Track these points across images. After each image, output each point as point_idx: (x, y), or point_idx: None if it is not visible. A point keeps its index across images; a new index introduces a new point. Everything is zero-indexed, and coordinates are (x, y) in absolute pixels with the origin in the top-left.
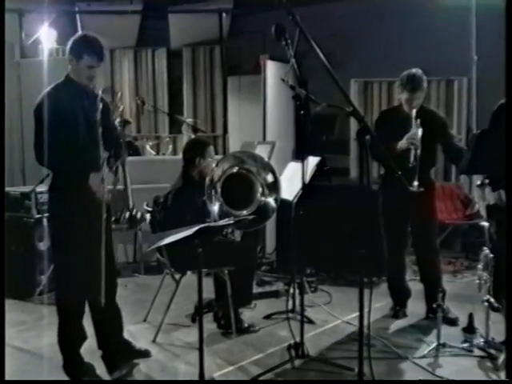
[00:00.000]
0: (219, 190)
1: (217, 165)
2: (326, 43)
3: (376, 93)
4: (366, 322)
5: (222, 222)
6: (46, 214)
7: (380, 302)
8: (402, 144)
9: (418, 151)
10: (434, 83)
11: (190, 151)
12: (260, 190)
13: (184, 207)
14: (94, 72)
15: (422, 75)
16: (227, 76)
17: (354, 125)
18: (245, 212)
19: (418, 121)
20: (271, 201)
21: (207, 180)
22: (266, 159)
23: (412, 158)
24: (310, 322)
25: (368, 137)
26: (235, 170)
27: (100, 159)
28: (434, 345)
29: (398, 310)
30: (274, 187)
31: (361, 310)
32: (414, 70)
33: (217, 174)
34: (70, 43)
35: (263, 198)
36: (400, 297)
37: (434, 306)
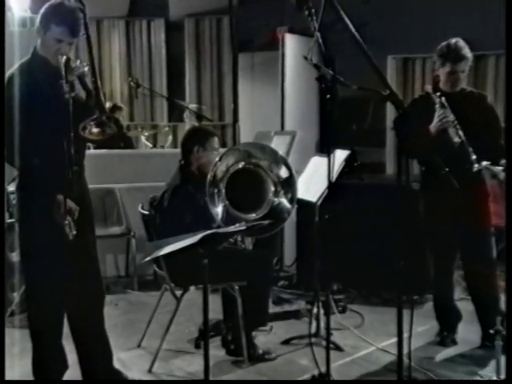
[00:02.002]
0: (223, 189)
1: (220, 159)
2: (358, 12)
3: (418, 71)
4: (405, 350)
5: (232, 228)
6: None
7: (423, 325)
8: (435, 126)
9: (459, 128)
10: (491, 59)
11: (188, 140)
12: (272, 188)
13: (183, 209)
14: (65, 48)
15: (465, 44)
16: (238, 53)
17: (390, 111)
18: (254, 215)
19: (443, 99)
20: (285, 201)
21: (209, 177)
22: (282, 152)
23: (456, 137)
24: (338, 348)
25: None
26: (241, 165)
27: (76, 153)
28: (492, 380)
29: (446, 336)
30: (289, 184)
31: (399, 334)
32: (454, 39)
33: (220, 170)
34: (40, 11)
35: (276, 199)
36: (448, 320)
37: (491, 331)
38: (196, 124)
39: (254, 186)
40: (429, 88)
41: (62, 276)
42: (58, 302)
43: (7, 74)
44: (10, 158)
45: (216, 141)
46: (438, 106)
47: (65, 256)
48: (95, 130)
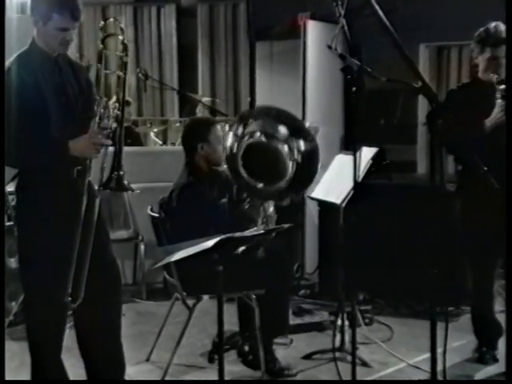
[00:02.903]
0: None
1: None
2: None
3: (454, 61)
4: (439, 367)
5: (249, 232)
6: None
7: (459, 340)
8: (494, 119)
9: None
10: None
11: (188, 137)
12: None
13: (193, 208)
14: (69, 35)
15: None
16: (255, 41)
17: (422, 105)
18: (282, 184)
19: (503, 87)
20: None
21: (226, 168)
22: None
23: (503, 133)
24: (364, 364)
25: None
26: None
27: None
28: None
29: (485, 352)
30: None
31: (433, 350)
32: (493, 23)
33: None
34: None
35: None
36: (487, 334)
37: None
38: (196, 116)
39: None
40: (490, 75)
41: (63, 284)
42: (59, 313)
43: (6, 64)
44: (8, 156)
45: (217, 129)
46: (498, 95)
47: (69, 261)
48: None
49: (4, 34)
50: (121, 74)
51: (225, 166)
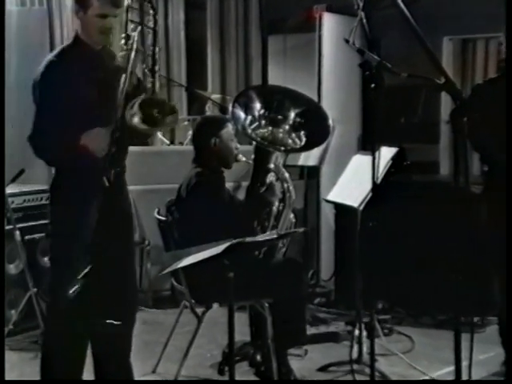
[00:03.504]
0: None
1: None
2: None
3: (480, 55)
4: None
5: (261, 237)
6: (20, 225)
7: (486, 352)
8: None
9: None
10: None
11: (200, 132)
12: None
13: (205, 209)
14: (109, 23)
15: None
16: (268, 35)
17: (446, 102)
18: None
19: None
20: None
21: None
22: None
23: None
24: (384, 377)
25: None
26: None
27: (118, 151)
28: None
29: None
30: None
31: (457, 362)
32: None
33: None
34: None
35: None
36: None
37: None
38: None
39: None
40: None
41: (92, 291)
42: (86, 321)
43: (45, 59)
44: (46, 153)
45: (231, 128)
46: None
47: (97, 265)
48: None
49: (4, 33)
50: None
51: (243, 159)
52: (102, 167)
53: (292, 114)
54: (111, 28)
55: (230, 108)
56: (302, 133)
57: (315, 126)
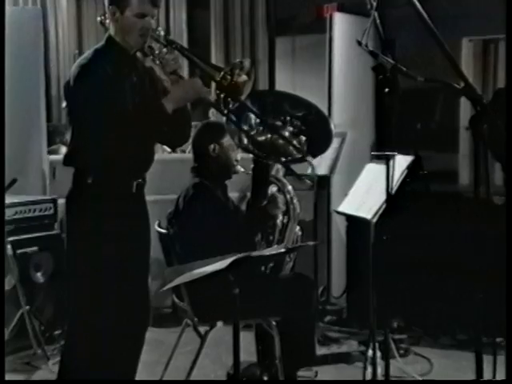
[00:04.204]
0: None
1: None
2: None
3: (502, 57)
4: None
5: (268, 251)
6: (11, 238)
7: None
8: None
9: None
10: None
11: (199, 138)
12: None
13: (204, 223)
14: (149, 23)
15: None
16: (275, 36)
17: (465, 107)
18: None
19: None
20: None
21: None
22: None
23: None
24: None
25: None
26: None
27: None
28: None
29: None
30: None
31: None
32: None
33: None
34: None
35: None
36: None
37: None
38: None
39: None
40: None
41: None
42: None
43: (77, 62)
44: (71, 157)
45: None
46: None
47: (112, 279)
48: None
49: (4, 34)
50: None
51: (241, 169)
52: (126, 178)
53: (291, 119)
54: (150, 29)
55: (225, 121)
56: (304, 139)
57: (316, 132)
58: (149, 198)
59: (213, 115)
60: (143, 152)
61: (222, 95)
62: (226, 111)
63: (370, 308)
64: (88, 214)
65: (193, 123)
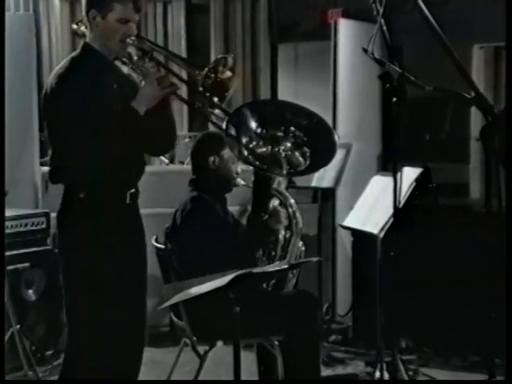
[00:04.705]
0: None
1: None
2: None
3: None
4: None
5: (271, 267)
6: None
7: None
8: None
9: None
10: None
11: (199, 149)
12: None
13: (202, 238)
14: (131, 29)
15: None
16: (277, 42)
17: (476, 117)
18: None
19: None
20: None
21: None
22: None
23: None
24: None
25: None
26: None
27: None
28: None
29: None
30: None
31: None
32: None
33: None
34: None
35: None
36: None
37: None
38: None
39: None
40: None
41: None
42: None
43: (54, 71)
44: (59, 174)
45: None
46: None
47: (107, 296)
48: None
49: (4, 34)
50: None
51: (242, 182)
52: (118, 188)
53: (293, 130)
54: (132, 34)
55: (224, 133)
56: (307, 151)
57: (320, 143)
58: (145, 211)
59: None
60: (133, 160)
61: (207, 94)
62: (225, 123)
63: (377, 327)
64: (83, 229)
65: (192, 134)
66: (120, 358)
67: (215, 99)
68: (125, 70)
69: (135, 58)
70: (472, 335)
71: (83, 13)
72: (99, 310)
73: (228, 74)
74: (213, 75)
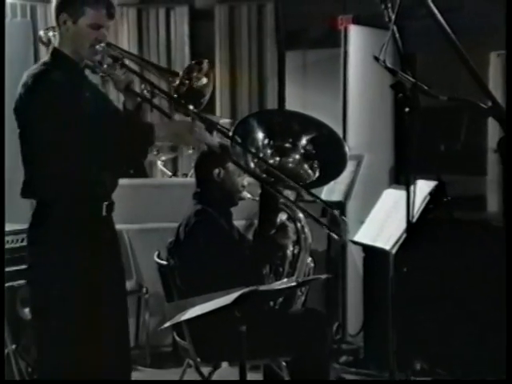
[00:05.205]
0: None
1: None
2: None
3: None
4: None
5: (277, 284)
6: None
7: None
8: None
9: None
10: None
11: (203, 161)
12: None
13: (206, 253)
14: (103, 35)
15: None
16: (285, 50)
17: (493, 127)
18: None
19: None
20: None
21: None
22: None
23: None
24: None
25: None
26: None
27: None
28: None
29: None
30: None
31: None
32: None
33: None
34: None
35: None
36: None
37: None
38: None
39: None
40: None
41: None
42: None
43: (25, 77)
44: (30, 187)
45: None
46: None
47: (82, 315)
48: None
49: (4, 35)
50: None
51: (248, 196)
52: (93, 200)
53: (302, 141)
54: (103, 40)
55: (229, 143)
56: (316, 163)
57: (330, 155)
58: (147, 226)
59: (218, 137)
60: (108, 170)
61: (182, 101)
62: (230, 134)
63: (389, 348)
64: (56, 244)
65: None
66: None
67: (191, 107)
68: (94, 78)
69: (105, 65)
70: (490, 357)
71: (53, 16)
72: (73, 330)
73: (203, 80)
74: (187, 81)
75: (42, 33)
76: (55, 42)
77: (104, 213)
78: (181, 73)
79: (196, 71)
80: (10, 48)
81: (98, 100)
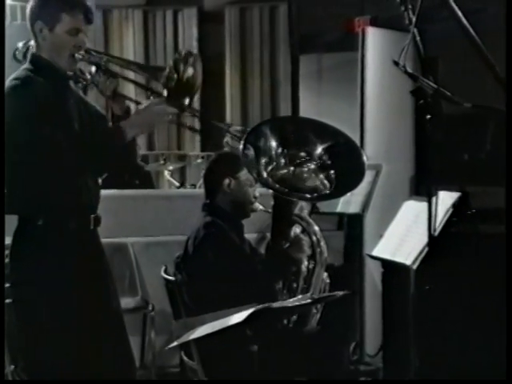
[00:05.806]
0: None
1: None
2: None
3: None
4: None
5: (291, 302)
6: None
7: None
8: None
9: None
10: None
11: (213, 171)
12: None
13: (216, 268)
14: (82, 40)
15: None
16: (298, 54)
17: None
18: None
19: None
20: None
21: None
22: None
23: None
24: None
25: None
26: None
27: (100, 193)
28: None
29: None
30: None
31: None
32: None
33: None
34: (32, 2)
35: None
36: None
37: None
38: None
39: None
40: None
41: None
42: None
43: (6, 85)
44: (13, 201)
45: None
46: None
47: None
48: None
49: (4, 36)
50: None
51: (260, 207)
52: (79, 213)
53: (317, 150)
54: (83, 46)
55: (241, 152)
56: (332, 173)
57: (346, 165)
58: (153, 239)
59: (227, 145)
60: (93, 182)
61: (174, 97)
62: (241, 141)
63: (410, 369)
64: (42, 259)
65: (205, 154)
66: None
67: (186, 101)
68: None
69: (88, 75)
70: None
71: (28, 26)
72: (61, 352)
73: (190, 71)
74: (175, 75)
75: (20, 45)
76: (34, 49)
77: (92, 226)
78: (167, 68)
79: (182, 63)
80: (10, 51)
81: (82, 112)
